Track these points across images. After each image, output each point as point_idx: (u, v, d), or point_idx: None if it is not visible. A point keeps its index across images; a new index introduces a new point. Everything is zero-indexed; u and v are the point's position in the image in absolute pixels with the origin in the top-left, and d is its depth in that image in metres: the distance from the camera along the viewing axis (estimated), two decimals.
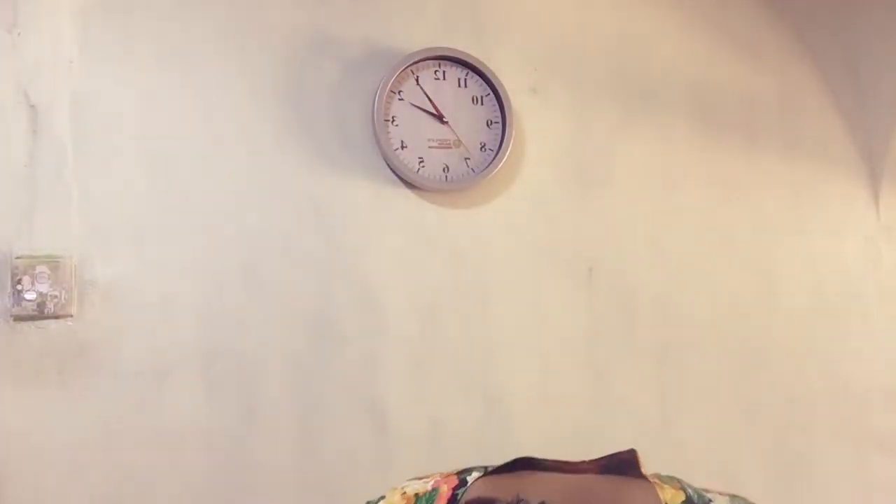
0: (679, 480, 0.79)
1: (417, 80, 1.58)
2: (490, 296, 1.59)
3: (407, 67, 1.56)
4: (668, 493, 0.74)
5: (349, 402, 1.47)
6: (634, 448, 0.81)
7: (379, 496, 0.90)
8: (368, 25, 1.58)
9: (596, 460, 0.81)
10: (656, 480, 0.76)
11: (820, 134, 1.92)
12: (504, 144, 1.59)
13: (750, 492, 1.77)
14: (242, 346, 1.42)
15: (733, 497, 0.76)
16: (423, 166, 1.55)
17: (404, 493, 0.86)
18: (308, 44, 1.54)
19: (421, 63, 1.58)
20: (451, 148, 1.58)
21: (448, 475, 0.86)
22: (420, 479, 0.89)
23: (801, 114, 1.91)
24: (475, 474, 0.83)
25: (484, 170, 1.58)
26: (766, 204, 1.84)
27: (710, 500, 0.74)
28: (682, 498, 0.74)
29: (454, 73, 1.60)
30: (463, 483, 0.83)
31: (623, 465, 0.79)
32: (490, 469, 0.83)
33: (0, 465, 1.27)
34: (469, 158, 1.59)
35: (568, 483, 0.78)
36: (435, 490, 0.84)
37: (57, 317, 1.33)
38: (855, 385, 1.85)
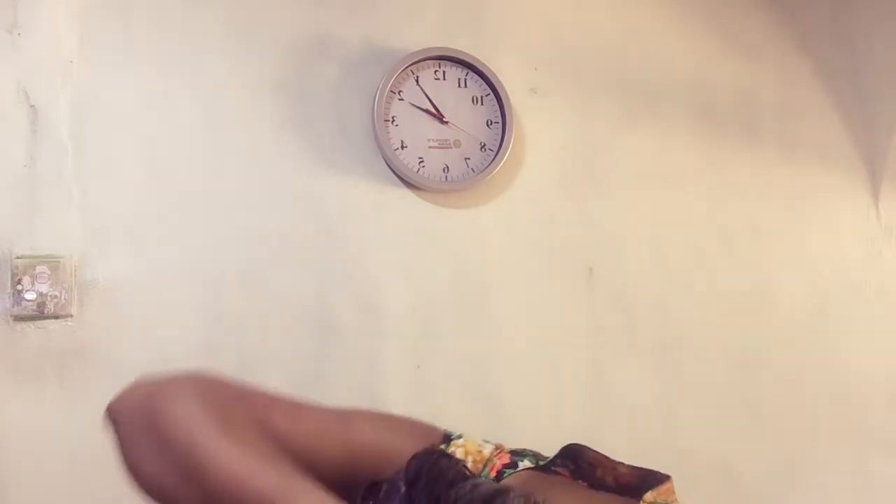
0: None
1: (417, 80, 1.58)
2: (490, 296, 1.59)
3: (407, 67, 1.56)
4: None
5: (349, 402, 1.45)
6: (671, 476, 0.83)
7: (456, 433, 0.92)
8: (368, 25, 1.58)
9: (636, 469, 0.83)
10: None
11: (820, 134, 1.92)
12: (504, 144, 1.59)
13: (750, 492, 1.77)
14: (242, 346, 1.42)
15: None
16: (423, 166, 1.55)
17: (480, 451, 0.89)
18: (308, 44, 1.54)
19: (421, 63, 1.58)
20: (451, 148, 1.58)
21: (501, 452, 0.90)
22: (484, 441, 0.92)
23: (801, 114, 1.91)
24: (526, 462, 0.87)
25: (484, 170, 1.58)
26: (766, 204, 1.84)
27: None
28: None
29: (454, 73, 1.60)
30: (513, 465, 0.87)
31: (652, 483, 0.81)
32: (541, 463, 0.87)
33: (0, 465, 1.27)
34: (469, 158, 1.59)
35: (583, 499, 0.83)
36: (490, 460, 0.88)
37: (57, 317, 1.33)
38: (855, 385, 1.85)
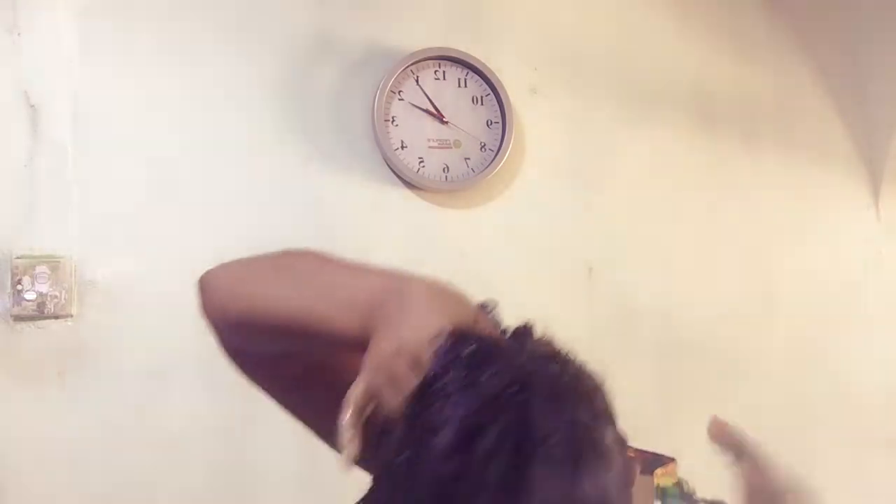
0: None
1: (417, 80, 1.58)
2: (490, 296, 1.59)
3: (407, 67, 1.56)
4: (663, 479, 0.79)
5: None
6: (675, 458, 0.84)
7: None
8: (368, 25, 1.58)
9: (642, 451, 0.84)
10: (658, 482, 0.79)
11: (820, 134, 1.92)
12: (504, 144, 1.59)
13: None
14: None
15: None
16: (423, 166, 1.55)
17: None
18: (309, 44, 1.54)
19: (421, 63, 1.58)
20: (451, 148, 1.58)
21: None
22: None
23: (800, 114, 1.91)
24: None
25: (484, 170, 1.58)
26: (766, 204, 1.84)
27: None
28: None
29: (454, 73, 1.60)
30: None
31: (658, 463, 0.82)
32: None
33: (0, 465, 1.27)
34: (469, 158, 1.59)
35: None
36: None
37: (57, 317, 1.33)
38: (855, 385, 1.85)
